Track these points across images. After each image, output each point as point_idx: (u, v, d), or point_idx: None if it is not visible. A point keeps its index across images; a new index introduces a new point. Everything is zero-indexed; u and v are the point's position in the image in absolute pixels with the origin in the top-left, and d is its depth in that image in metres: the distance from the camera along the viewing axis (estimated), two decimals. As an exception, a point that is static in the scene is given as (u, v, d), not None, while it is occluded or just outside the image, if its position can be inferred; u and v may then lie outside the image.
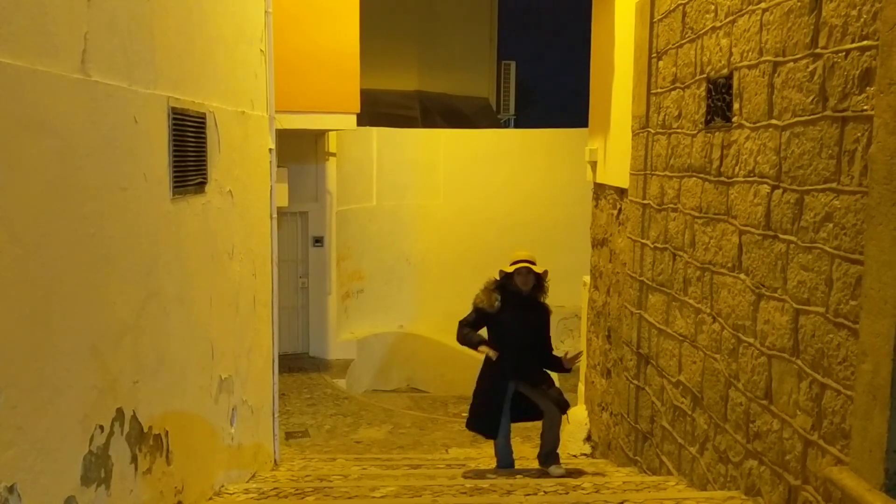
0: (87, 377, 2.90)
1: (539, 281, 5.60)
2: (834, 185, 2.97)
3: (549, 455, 5.61)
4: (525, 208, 13.93)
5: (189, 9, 4.21)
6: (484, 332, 5.67)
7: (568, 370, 5.79)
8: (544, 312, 5.71)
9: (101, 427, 2.99)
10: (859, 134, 2.80)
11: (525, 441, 8.27)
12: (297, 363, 11.76)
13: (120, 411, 3.16)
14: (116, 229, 3.17)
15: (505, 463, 5.80)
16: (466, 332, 5.59)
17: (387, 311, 13.69)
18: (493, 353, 5.46)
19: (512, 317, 5.51)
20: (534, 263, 5.57)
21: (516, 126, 21.03)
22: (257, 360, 5.69)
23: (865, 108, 2.76)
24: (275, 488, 4.80)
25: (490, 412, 5.60)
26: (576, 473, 5.50)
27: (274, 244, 6.12)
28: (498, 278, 5.62)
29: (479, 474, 5.61)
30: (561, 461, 5.73)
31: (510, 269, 5.55)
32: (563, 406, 5.67)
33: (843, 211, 2.90)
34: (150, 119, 3.56)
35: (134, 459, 3.31)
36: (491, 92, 19.82)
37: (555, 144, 14.03)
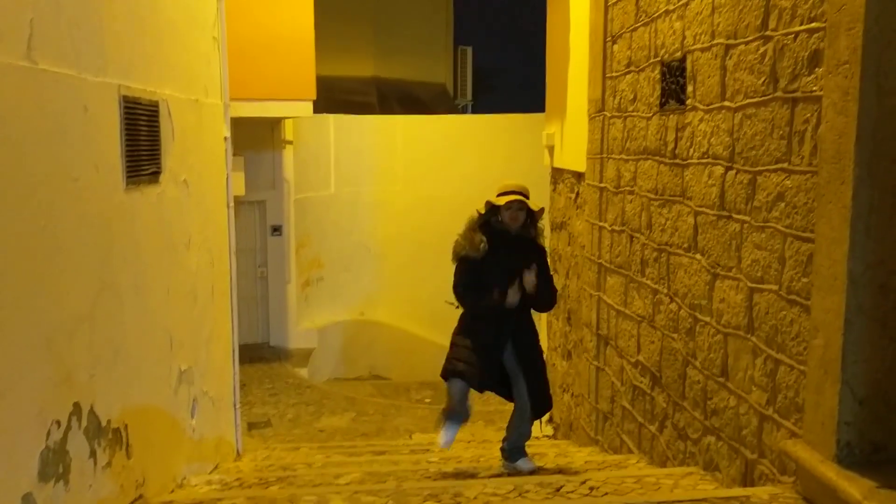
0: (42, 370, 2.85)
1: (532, 219, 4.45)
2: (785, 165, 3.03)
3: (514, 450, 4.65)
4: (484, 193, 13.80)
5: (138, -6, 4.13)
6: None
7: (541, 304, 4.52)
8: (539, 255, 4.50)
9: (58, 422, 2.94)
10: (809, 114, 2.86)
11: (488, 424, 8.32)
12: (257, 353, 11.67)
13: (77, 405, 3.11)
14: (68, 220, 3.10)
15: (463, 411, 4.51)
16: (477, 298, 4.38)
17: (347, 298, 13.63)
18: (514, 295, 4.32)
19: (499, 265, 4.35)
20: (527, 196, 4.41)
21: (474, 112, 21.02)
22: (217, 351, 5.63)
23: (814, 89, 2.81)
24: (238, 479, 4.77)
25: (486, 362, 4.37)
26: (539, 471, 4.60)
27: (231, 233, 6.04)
28: (482, 212, 4.49)
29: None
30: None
31: (500, 202, 4.37)
32: (540, 407, 4.56)
33: (794, 190, 2.96)
34: (101, 107, 3.49)
35: (93, 454, 3.26)
36: (448, 77, 19.78)
37: (512, 129, 14.05)
